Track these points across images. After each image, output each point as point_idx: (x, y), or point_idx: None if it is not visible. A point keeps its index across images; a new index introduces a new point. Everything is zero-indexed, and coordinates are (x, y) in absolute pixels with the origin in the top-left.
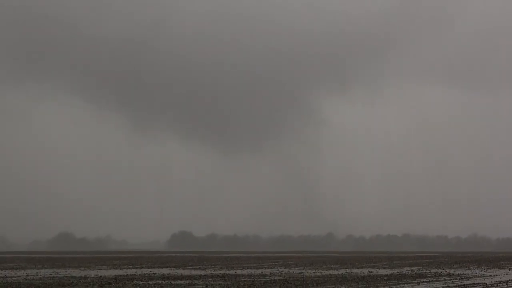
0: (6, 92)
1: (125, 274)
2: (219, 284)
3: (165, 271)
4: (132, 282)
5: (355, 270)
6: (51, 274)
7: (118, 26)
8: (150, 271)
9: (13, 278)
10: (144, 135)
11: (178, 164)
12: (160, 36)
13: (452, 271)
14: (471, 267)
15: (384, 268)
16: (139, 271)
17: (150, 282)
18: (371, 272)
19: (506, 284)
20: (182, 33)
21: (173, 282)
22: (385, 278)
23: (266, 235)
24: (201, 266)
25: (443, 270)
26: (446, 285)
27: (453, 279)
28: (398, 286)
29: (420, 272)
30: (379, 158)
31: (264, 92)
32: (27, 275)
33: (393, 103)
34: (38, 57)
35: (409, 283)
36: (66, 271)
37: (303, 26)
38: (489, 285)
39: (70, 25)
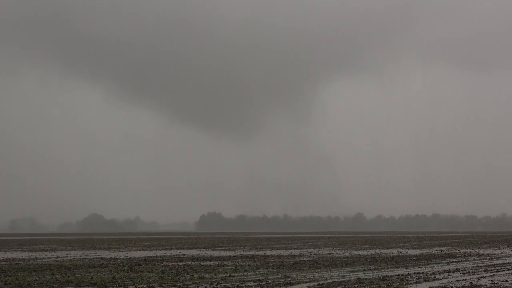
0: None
1: (155, 255)
2: (248, 265)
3: (195, 252)
4: (162, 263)
5: (384, 251)
6: (81, 256)
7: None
8: (180, 252)
9: (43, 260)
10: (171, 121)
11: (206, 148)
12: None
13: (481, 251)
14: (500, 247)
15: (414, 248)
16: (168, 252)
17: (180, 263)
18: (401, 252)
19: None
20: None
21: (202, 263)
22: (415, 258)
23: (295, 216)
24: (230, 247)
25: (473, 250)
26: (476, 265)
27: (483, 259)
28: (427, 266)
29: (449, 252)
30: (406, 138)
31: (280, 74)
32: (57, 257)
33: (412, 81)
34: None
35: (439, 263)
36: (96, 253)
37: (310, 7)
38: None
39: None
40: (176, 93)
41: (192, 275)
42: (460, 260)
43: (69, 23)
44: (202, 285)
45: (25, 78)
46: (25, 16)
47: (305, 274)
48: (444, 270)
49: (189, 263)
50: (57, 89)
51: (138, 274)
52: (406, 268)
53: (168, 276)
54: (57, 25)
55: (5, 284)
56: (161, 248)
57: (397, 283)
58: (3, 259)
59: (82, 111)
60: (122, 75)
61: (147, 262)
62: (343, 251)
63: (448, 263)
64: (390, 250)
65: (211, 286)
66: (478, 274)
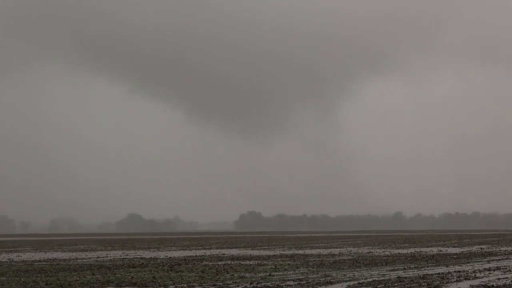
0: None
1: (195, 255)
2: (288, 264)
3: (234, 251)
4: (202, 262)
5: (424, 249)
6: (121, 256)
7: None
8: (219, 252)
9: (84, 260)
10: (208, 120)
11: (245, 148)
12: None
13: None
14: None
15: (454, 246)
16: (208, 252)
17: (220, 263)
18: (441, 250)
19: None
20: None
21: (242, 262)
22: (455, 256)
23: (334, 215)
24: (269, 246)
25: None
26: None
27: None
28: (468, 264)
29: (489, 250)
30: (444, 136)
31: (313, 73)
32: (98, 257)
33: (445, 80)
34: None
35: (479, 261)
36: (135, 253)
37: (346, 9)
38: None
39: None
40: (207, 93)
41: (232, 275)
42: (500, 258)
43: (88, 15)
44: (242, 284)
45: (44, 74)
46: (43, 8)
47: (345, 273)
48: (485, 269)
49: (229, 262)
50: (83, 85)
51: (178, 274)
52: (447, 267)
53: (208, 275)
54: (76, 17)
55: (46, 284)
56: (200, 247)
57: (438, 282)
58: (43, 260)
59: (109, 108)
60: (150, 69)
61: (187, 261)
62: (382, 250)
63: (488, 261)
64: (430, 248)
65: (251, 286)
66: None
